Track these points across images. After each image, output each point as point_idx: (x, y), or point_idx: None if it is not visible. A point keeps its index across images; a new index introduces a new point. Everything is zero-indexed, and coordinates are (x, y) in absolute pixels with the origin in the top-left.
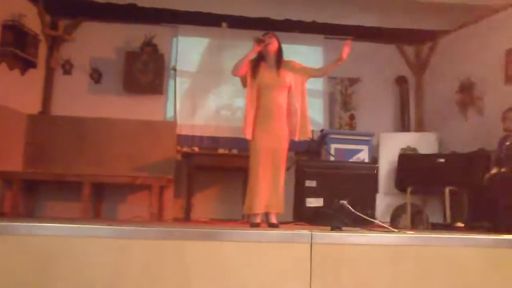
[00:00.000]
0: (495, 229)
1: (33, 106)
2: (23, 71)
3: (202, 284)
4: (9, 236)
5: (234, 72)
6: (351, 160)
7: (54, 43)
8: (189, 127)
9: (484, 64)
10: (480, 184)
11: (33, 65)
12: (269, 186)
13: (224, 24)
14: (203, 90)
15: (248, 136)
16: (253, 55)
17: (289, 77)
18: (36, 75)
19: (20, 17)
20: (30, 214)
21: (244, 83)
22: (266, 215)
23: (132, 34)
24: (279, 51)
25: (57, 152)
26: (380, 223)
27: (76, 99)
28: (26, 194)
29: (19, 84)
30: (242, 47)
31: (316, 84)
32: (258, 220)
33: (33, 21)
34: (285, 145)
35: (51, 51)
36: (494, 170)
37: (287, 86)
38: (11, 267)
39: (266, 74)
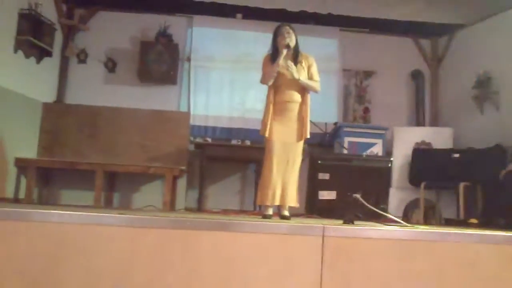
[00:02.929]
0: (510, 226)
1: (48, 94)
2: (39, 60)
3: (212, 274)
4: (23, 223)
5: (266, 84)
6: (364, 153)
7: (70, 32)
8: (203, 118)
9: (502, 58)
10: (495, 180)
11: (48, 53)
12: (283, 179)
13: (239, 15)
14: (217, 81)
15: (267, 135)
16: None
17: (304, 74)
18: (52, 64)
19: (36, 6)
20: (44, 201)
21: (263, 82)
22: (279, 207)
23: (147, 24)
24: (296, 46)
25: (71, 140)
26: (393, 218)
27: (91, 88)
28: (40, 181)
29: (34, 73)
30: (257, 39)
31: (330, 77)
32: (270, 211)
33: (49, 10)
34: (300, 139)
35: (67, 40)
36: (510, 167)
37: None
38: (25, 252)
39: (284, 70)
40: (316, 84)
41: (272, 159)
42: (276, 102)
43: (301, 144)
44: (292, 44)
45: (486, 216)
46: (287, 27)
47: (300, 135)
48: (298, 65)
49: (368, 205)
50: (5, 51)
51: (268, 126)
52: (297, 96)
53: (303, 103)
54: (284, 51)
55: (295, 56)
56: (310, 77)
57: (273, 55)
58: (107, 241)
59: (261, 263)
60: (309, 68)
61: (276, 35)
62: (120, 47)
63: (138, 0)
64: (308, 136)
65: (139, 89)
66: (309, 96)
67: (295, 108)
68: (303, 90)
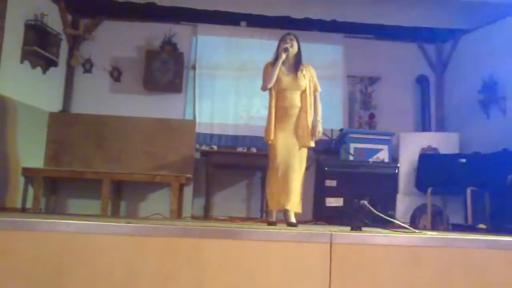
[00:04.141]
0: None
1: (54, 104)
2: (45, 70)
3: (219, 282)
4: (30, 232)
5: (266, 88)
6: (370, 159)
7: (75, 42)
8: (208, 126)
9: (507, 62)
10: (503, 185)
11: (54, 63)
12: (286, 185)
13: (243, 23)
14: (222, 89)
15: (271, 140)
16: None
17: (305, 81)
18: (58, 74)
19: (42, 17)
20: (51, 211)
21: (263, 87)
22: (284, 214)
23: (152, 33)
24: (298, 54)
25: (78, 149)
26: (400, 224)
27: (96, 98)
28: (47, 190)
29: (41, 83)
30: (261, 46)
31: (335, 83)
32: (274, 218)
33: (54, 21)
34: (303, 145)
35: (72, 49)
36: None
37: (303, 89)
38: (32, 262)
39: (284, 76)
40: (318, 101)
41: (274, 165)
42: (277, 107)
43: (305, 150)
44: (293, 50)
45: (494, 221)
46: (291, 35)
47: (303, 142)
48: (299, 73)
49: (376, 212)
50: (11, 61)
51: (272, 132)
52: (297, 102)
53: (304, 108)
54: (284, 55)
55: (297, 64)
56: (315, 89)
57: (275, 61)
58: (114, 250)
59: (269, 271)
60: (311, 79)
61: (280, 41)
62: (125, 56)
63: (142, 9)
64: (313, 145)
65: (145, 97)
66: (310, 103)
67: (296, 113)
68: (304, 95)
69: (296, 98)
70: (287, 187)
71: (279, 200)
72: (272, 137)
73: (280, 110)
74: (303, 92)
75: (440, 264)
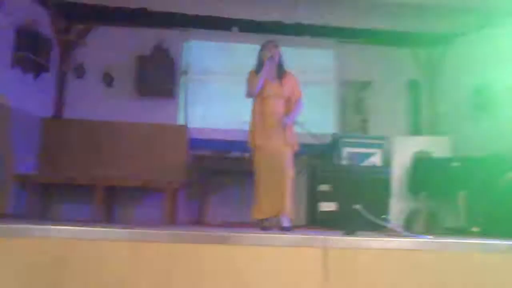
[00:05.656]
0: (511, 234)
1: (46, 109)
2: (36, 75)
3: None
4: (23, 239)
5: (252, 95)
6: (363, 164)
7: (67, 48)
8: (201, 131)
9: (498, 67)
10: (495, 188)
11: (46, 69)
12: (273, 191)
13: (235, 28)
14: (214, 94)
15: (255, 146)
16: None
17: (287, 89)
18: (49, 79)
19: (34, 22)
20: (44, 216)
21: (248, 95)
22: (278, 219)
23: (144, 39)
24: (281, 62)
25: (70, 155)
26: (394, 228)
27: (89, 103)
28: (40, 196)
29: (32, 88)
30: (253, 51)
31: (327, 87)
32: (266, 224)
33: (46, 26)
34: (286, 150)
35: (64, 55)
36: (510, 174)
37: (286, 96)
38: (25, 269)
39: (268, 84)
40: (299, 105)
41: (259, 173)
42: (261, 113)
43: (289, 154)
44: (276, 58)
45: (487, 224)
46: (273, 43)
47: (286, 147)
48: (282, 81)
49: (369, 216)
50: (2, 67)
51: (255, 138)
52: (280, 108)
53: (285, 115)
54: (269, 64)
55: (279, 72)
56: (298, 94)
57: (258, 68)
58: (108, 256)
59: (263, 276)
60: (293, 87)
61: (261, 49)
62: (117, 62)
63: (134, 15)
64: (296, 148)
65: (137, 103)
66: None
67: (279, 119)
68: (288, 102)
69: (279, 105)
70: (279, 193)
71: (268, 206)
72: (255, 143)
73: (264, 116)
74: (286, 99)
75: (434, 268)
